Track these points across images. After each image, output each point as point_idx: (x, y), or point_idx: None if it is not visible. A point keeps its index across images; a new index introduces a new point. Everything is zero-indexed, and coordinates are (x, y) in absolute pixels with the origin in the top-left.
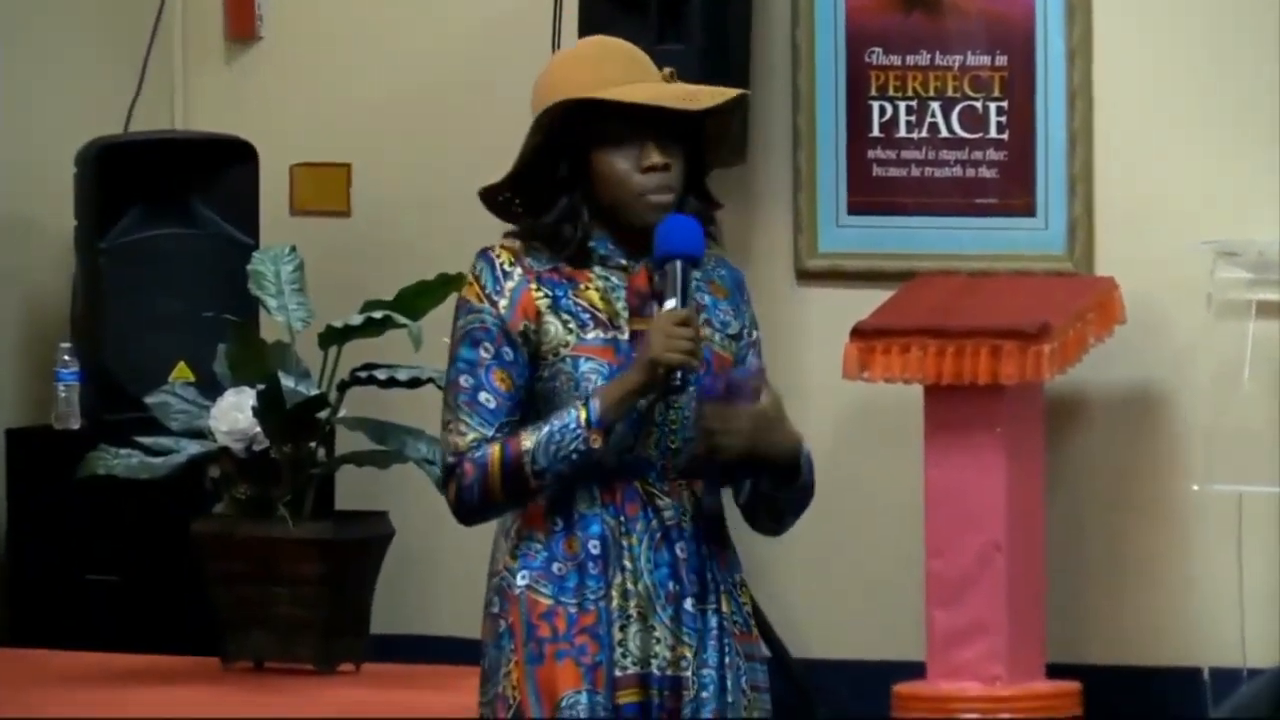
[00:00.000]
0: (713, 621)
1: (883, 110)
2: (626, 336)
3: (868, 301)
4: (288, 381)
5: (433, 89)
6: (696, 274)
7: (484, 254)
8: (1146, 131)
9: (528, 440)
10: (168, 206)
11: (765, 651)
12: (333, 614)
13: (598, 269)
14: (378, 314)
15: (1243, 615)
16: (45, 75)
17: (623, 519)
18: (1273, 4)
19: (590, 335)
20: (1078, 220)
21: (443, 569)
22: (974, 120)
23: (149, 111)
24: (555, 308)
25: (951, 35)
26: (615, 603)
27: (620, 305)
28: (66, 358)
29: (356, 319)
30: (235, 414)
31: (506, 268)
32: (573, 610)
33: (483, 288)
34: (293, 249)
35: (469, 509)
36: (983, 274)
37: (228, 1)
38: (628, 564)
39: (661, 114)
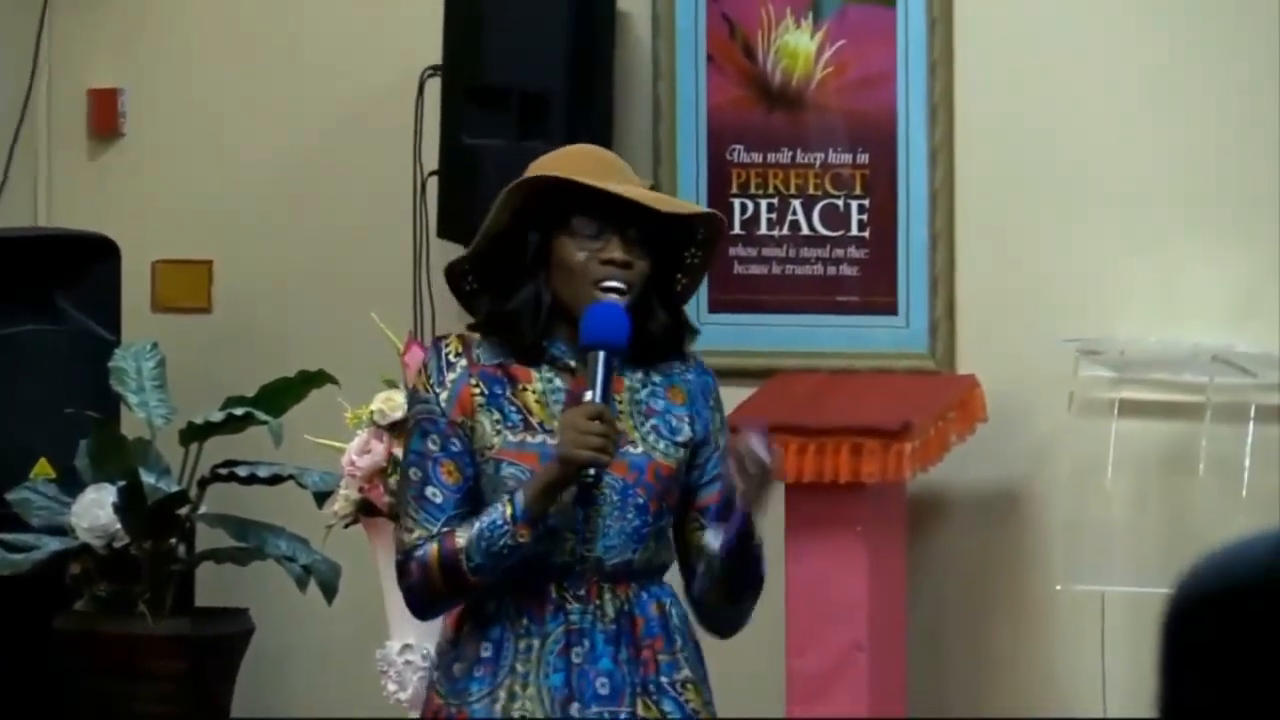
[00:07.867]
0: None
1: (744, 207)
2: (556, 442)
3: (729, 399)
4: (149, 478)
5: (294, 186)
6: (644, 375)
7: (435, 343)
8: (1008, 231)
9: (461, 538)
10: (30, 302)
11: None
12: (193, 711)
13: (545, 369)
14: (239, 410)
15: (1105, 714)
16: None
17: (528, 621)
18: (1135, 102)
19: (515, 439)
20: (939, 319)
21: (302, 666)
22: (835, 218)
23: (12, 207)
24: (489, 405)
25: (813, 133)
26: (500, 704)
27: (557, 409)
28: None
29: (217, 415)
30: (96, 510)
31: (451, 358)
32: (452, 710)
33: (428, 378)
34: (154, 345)
35: (417, 606)
36: (844, 372)
37: (91, 98)
38: (519, 668)
39: (632, 218)
